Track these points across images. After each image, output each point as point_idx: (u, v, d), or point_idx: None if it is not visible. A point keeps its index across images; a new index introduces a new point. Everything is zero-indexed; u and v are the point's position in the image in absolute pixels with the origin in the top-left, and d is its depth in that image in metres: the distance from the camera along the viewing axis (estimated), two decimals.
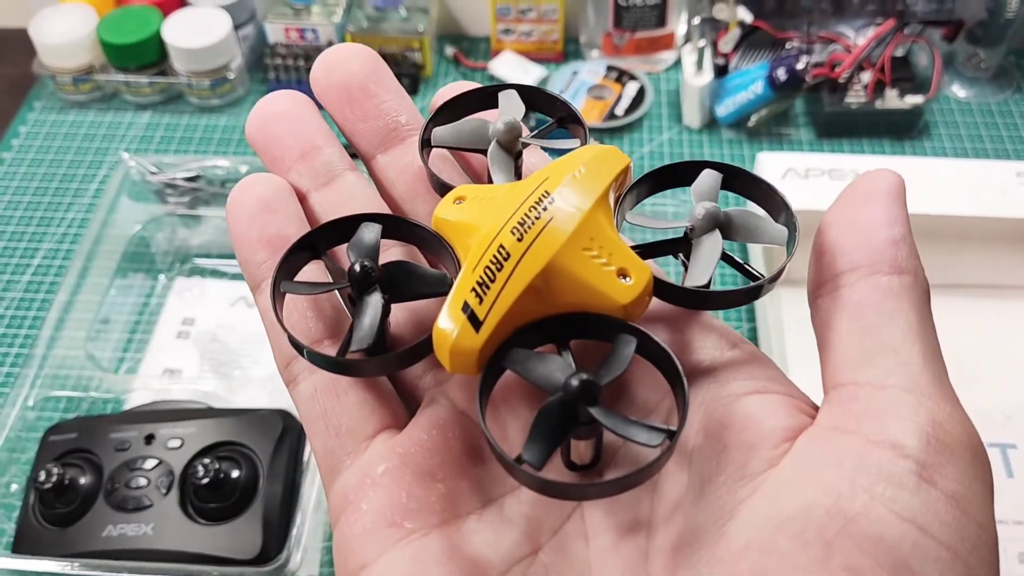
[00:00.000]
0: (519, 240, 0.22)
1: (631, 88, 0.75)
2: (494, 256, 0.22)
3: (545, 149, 0.27)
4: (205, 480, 0.47)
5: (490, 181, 0.26)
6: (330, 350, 0.24)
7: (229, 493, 0.48)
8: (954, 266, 0.59)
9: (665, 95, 0.76)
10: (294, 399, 0.24)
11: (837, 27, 0.72)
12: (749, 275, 0.24)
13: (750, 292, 0.23)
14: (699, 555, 0.20)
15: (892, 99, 0.69)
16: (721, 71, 0.72)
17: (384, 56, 0.82)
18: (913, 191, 0.58)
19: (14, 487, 0.51)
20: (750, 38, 0.73)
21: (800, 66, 0.67)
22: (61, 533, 0.48)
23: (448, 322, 0.22)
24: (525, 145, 0.26)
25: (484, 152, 0.26)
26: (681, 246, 0.24)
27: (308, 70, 0.74)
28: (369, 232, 0.24)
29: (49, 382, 0.55)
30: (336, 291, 0.24)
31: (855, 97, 0.70)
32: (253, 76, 0.79)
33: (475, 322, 0.22)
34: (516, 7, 0.76)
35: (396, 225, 0.25)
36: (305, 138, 0.26)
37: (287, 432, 0.50)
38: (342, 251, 0.24)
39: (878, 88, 0.70)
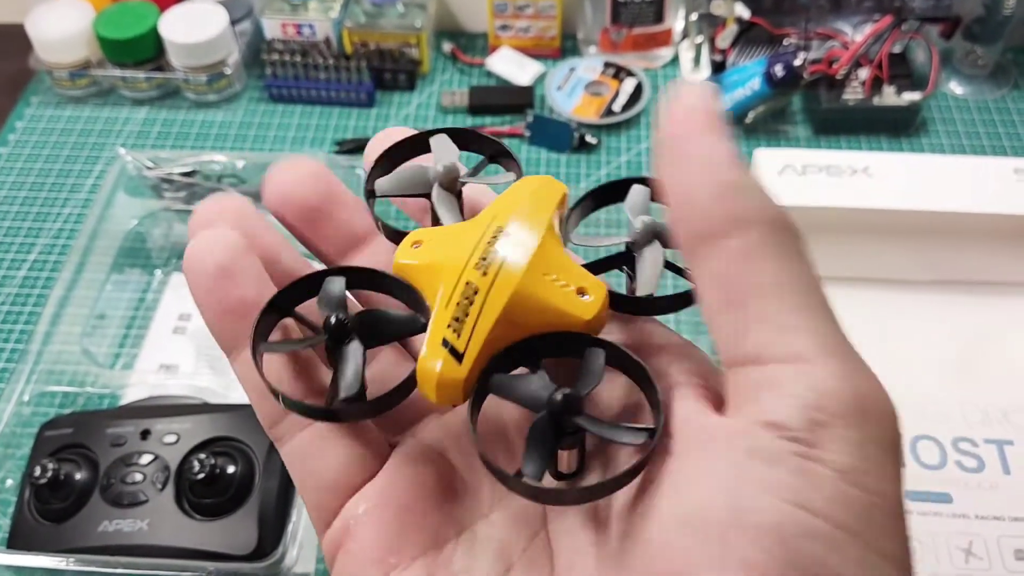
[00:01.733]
0: (484, 275, 0.24)
1: (628, 84, 0.75)
2: (463, 292, 0.23)
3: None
4: (201, 475, 0.47)
5: (436, 222, 0.27)
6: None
7: (225, 488, 0.47)
8: (952, 262, 0.59)
9: (662, 91, 0.76)
10: (283, 457, 0.25)
11: (835, 23, 0.72)
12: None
13: (689, 296, 0.24)
14: (632, 561, 0.20)
15: (889, 96, 0.69)
16: (718, 67, 0.72)
17: (381, 52, 0.81)
18: (912, 187, 0.59)
19: (9, 482, 0.51)
20: (747, 34, 0.72)
21: (797, 63, 0.67)
22: (56, 528, 0.48)
23: (431, 358, 0.23)
24: (464, 183, 0.27)
25: (427, 196, 0.27)
26: (625, 260, 0.26)
27: (305, 66, 0.74)
28: (335, 285, 0.25)
29: (45, 377, 0.55)
30: (311, 346, 0.25)
31: (852, 94, 0.70)
32: (250, 72, 0.79)
33: (456, 355, 0.23)
34: (513, 3, 0.76)
35: (359, 275, 0.26)
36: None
37: None
38: (309, 307, 0.25)
39: (875, 85, 0.69)
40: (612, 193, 0.27)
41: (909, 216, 0.56)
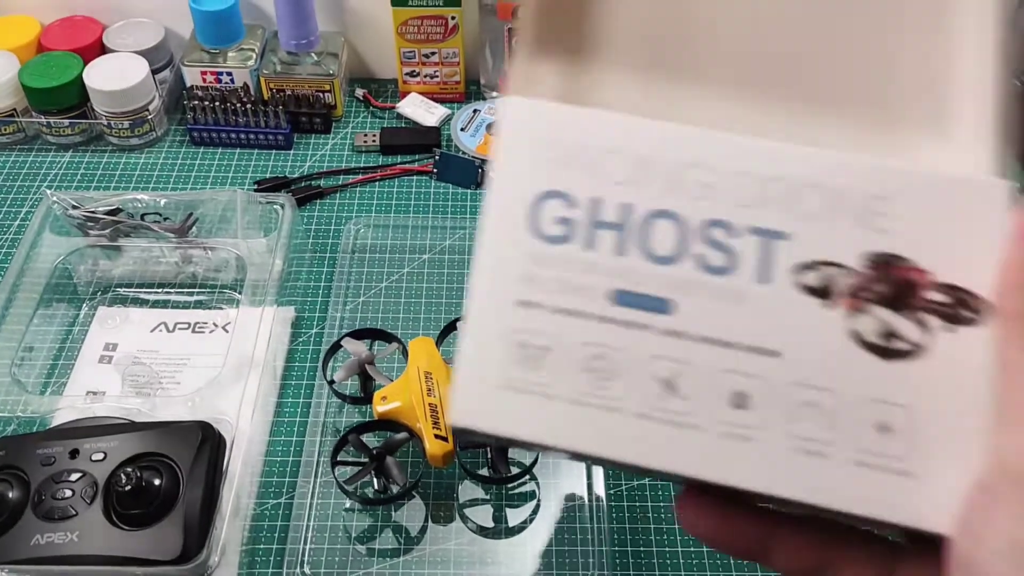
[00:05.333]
0: (433, 396, 0.55)
1: None
2: (430, 410, 0.54)
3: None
4: (128, 488, 0.50)
5: (366, 379, 0.60)
6: None
7: (151, 500, 0.51)
8: None
9: None
10: None
11: None
12: None
13: None
14: None
15: None
16: None
17: (297, 97, 0.87)
18: None
19: None
20: None
21: None
22: None
23: (434, 446, 0.53)
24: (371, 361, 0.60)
25: (361, 372, 0.60)
26: None
27: (225, 111, 0.79)
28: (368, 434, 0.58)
29: None
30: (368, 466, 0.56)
31: None
32: (171, 117, 0.83)
33: (443, 439, 0.53)
34: (420, 51, 0.82)
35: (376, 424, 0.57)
36: None
37: (206, 442, 0.54)
38: None
39: None
40: (449, 329, 0.61)
41: None
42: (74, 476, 0.52)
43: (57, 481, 0.52)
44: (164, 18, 0.83)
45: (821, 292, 0.27)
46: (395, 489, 0.54)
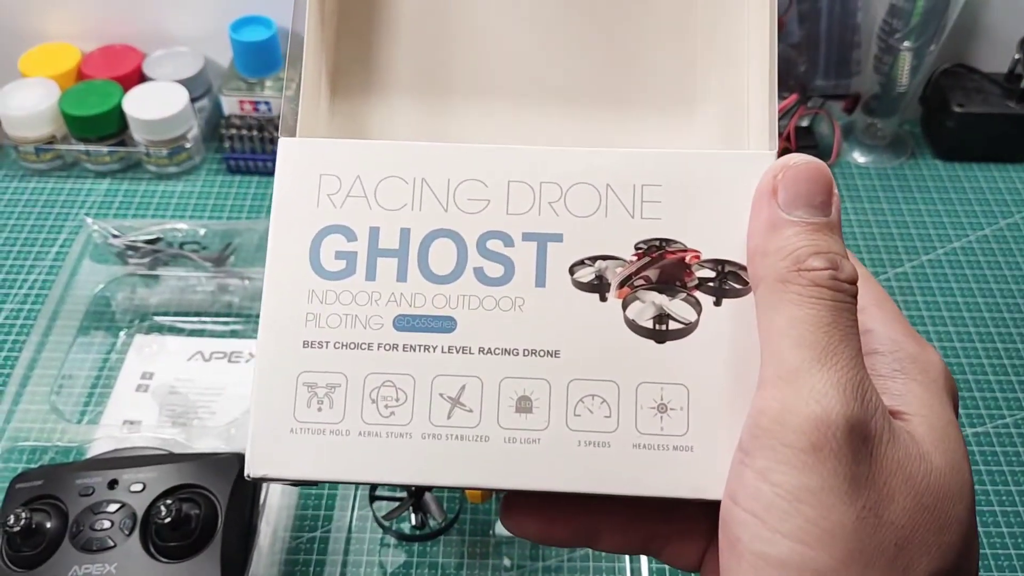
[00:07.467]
0: None
1: None
2: None
3: None
4: (167, 519, 0.50)
5: None
6: None
7: (189, 532, 0.51)
8: None
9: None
10: None
11: None
12: None
13: None
14: None
15: None
16: None
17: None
18: None
19: None
20: None
21: None
22: (28, 574, 0.51)
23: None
24: None
25: None
26: None
27: (261, 140, 0.79)
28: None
29: (15, 434, 0.58)
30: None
31: None
32: (208, 145, 0.83)
33: None
34: None
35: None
36: None
37: (243, 474, 0.53)
38: None
39: (785, 154, 0.76)
40: None
41: None
42: (113, 507, 0.52)
43: (96, 512, 0.52)
44: (203, 47, 0.84)
45: (596, 286, 0.27)
46: (433, 524, 0.54)
